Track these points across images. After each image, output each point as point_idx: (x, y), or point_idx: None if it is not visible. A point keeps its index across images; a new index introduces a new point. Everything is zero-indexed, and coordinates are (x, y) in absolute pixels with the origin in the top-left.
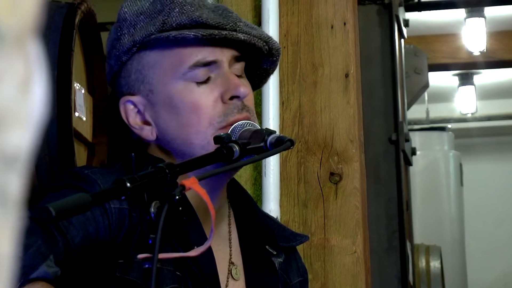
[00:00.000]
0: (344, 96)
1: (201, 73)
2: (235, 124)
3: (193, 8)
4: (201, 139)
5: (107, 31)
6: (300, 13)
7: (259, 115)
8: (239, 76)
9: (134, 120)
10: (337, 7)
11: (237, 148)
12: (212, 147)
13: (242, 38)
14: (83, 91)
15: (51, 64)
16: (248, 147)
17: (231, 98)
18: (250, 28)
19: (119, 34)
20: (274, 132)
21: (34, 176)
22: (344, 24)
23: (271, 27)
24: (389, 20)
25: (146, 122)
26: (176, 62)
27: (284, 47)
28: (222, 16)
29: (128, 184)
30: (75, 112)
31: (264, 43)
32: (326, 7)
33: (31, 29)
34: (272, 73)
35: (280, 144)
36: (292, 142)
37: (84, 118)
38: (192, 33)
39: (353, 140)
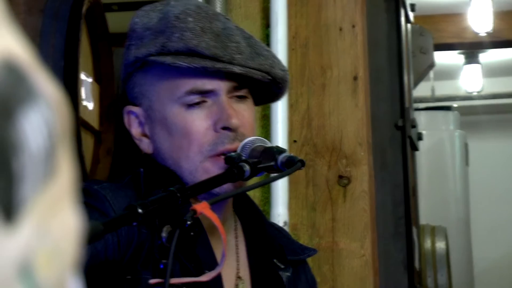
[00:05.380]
0: (353, 99)
1: (197, 99)
2: (245, 141)
3: (192, 35)
4: (190, 164)
5: (112, 11)
6: (309, 15)
7: (268, 117)
8: (241, 98)
9: (136, 130)
10: (346, 10)
11: (247, 167)
12: (199, 174)
13: (238, 71)
14: (90, 80)
15: (57, 54)
16: (258, 166)
17: (223, 128)
18: (252, 55)
19: (128, 43)
20: (284, 150)
21: None
22: (353, 26)
23: (280, 29)
24: (395, 5)
25: (145, 135)
26: (174, 85)
27: (293, 49)
28: (222, 45)
29: (140, 210)
30: (82, 101)
31: (265, 74)
32: (334, 9)
33: (72, 268)
34: (281, 94)
35: (291, 164)
36: (303, 163)
37: (91, 107)
38: (185, 63)
39: (361, 143)
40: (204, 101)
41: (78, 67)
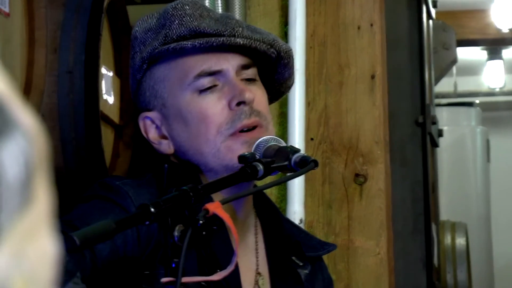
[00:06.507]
0: (370, 97)
1: (207, 81)
2: (259, 140)
3: (191, 19)
4: (211, 147)
5: (134, 4)
6: (327, 13)
7: (285, 115)
8: (250, 81)
9: (153, 135)
10: (364, 8)
11: (261, 167)
12: (223, 154)
13: (241, 42)
14: (110, 74)
15: (78, 47)
16: (272, 166)
17: (238, 104)
18: (253, 32)
19: (132, 53)
20: (298, 150)
21: (60, 159)
22: (371, 25)
23: (298, 27)
24: (417, 2)
25: (163, 136)
26: (182, 73)
27: (311, 47)
28: (223, 23)
29: (152, 210)
30: (102, 95)
31: (269, 46)
32: (353, 8)
33: None
34: (289, 76)
35: (305, 164)
36: (316, 163)
37: (112, 101)
38: (190, 42)
39: (378, 142)
40: (215, 85)
41: (99, 61)
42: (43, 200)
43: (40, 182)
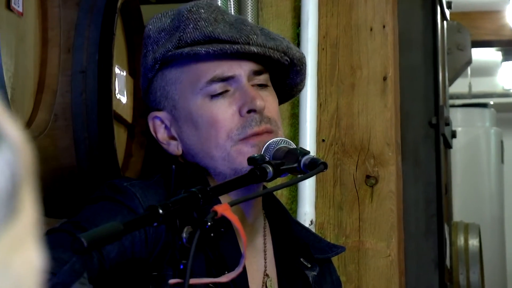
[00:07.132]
0: (382, 99)
1: (219, 87)
2: (269, 142)
3: (206, 24)
4: (221, 151)
5: (148, 3)
6: (340, 14)
7: (297, 116)
8: (262, 86)
9: (162, 135)
10: (377, 10)
11: (270, 169)
12: (233, 158)
13: (255, 50)
14: (124, 73)
15: (92, 47)
16: (281, 168)
17: (249, 111)
18: (268, 39)
19: (144, 51)
20: (308, 152)
21: (73, 159)
22: (384, 27)
23: (310, 29)
24: (431, 3)
25: (172, 137)
26: (195, 77)
27: (323, 49)
28: (237, 29)
29: (161, 211)
30: (115, 95)
31: (282, 54)
32: (365, 9)
33: None
34: (300, 81)
35: (314, 166)
36: (325, 165)
37: (125, 101)
38: (204, 49)
39: (389, 144)
40: (226, 91)
41: (112, 61)
42: (29, 211)
43: (26, 193)
